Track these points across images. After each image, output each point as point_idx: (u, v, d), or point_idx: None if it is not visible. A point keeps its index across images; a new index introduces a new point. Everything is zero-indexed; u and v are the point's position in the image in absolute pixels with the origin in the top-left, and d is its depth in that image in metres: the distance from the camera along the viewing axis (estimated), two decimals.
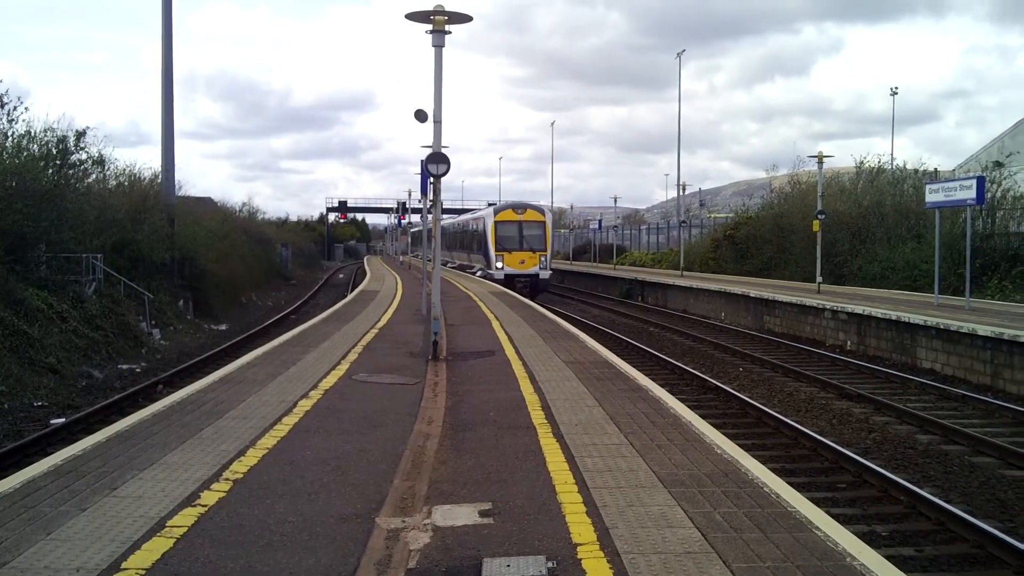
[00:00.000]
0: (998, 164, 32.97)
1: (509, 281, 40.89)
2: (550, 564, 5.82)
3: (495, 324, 21.47)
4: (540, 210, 44.35)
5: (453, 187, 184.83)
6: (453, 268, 56.63)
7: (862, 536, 7.34)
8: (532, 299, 36.35)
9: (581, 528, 6.52)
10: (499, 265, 42.34)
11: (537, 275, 42.33)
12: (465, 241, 55.17)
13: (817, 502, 8.05)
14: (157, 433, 9.50)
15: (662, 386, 13.53)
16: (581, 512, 6.89)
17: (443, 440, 9.46)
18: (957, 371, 20.22)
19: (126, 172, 36.65)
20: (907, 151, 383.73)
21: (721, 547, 6.14)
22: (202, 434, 9.47)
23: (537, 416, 10.60)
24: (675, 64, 59.91)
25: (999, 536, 9.10)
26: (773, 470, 8.78)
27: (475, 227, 49.75)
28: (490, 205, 59.65)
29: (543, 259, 42.53)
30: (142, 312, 27.96)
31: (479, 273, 46.02)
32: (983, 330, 19.20)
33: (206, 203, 59.20)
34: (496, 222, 43.05)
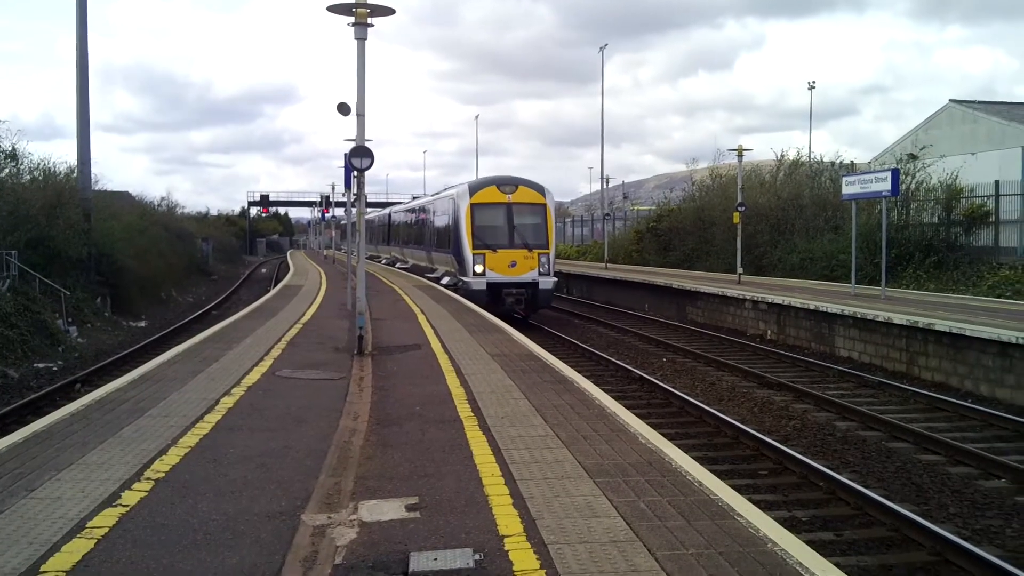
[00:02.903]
0: (912, 157, 33.76)
1: (494, 293, 28.75)
2: (477, 556, 5.83)
3: (421, 318, 21.41)
4: (538, 188, 30.47)
5: (377, 180, 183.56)
6: (403, 269, 45.24)
7: (783, 522, 7.50)
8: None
9: (508, 520, 6.55)
10: (478, 269, 29.02)
11: (535, 284, 29.03)
12: (423, 234, 40.82)
13: (739, 489, 8.19)
14: (76, 433, 9.30)
15: (587, 378, 13.63)
16: (508, 504, 6.92)
17: (369, 435, 9.41)
18: (874, 359, 20.70)
19: (40, 166, 35.71)
20: (826, 145, 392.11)
21: (646, 535, 6.22)
22: (122, 433, 9.29)
23: (463, 409, 10.61)
24: (601, 58, 59.97)
25: (915, 519, 9.37)
26: (696, 459, 8.91)
27: (438, 213, 35.64)
28: (439, 189, 43.50)
29: (544, 260, 29.19)
30: (59, 309, 27.29)
31: (445, 279, 33.19)
32: (899, 319, 19.68)
33: (124, 197, 58.07)
34: (473, 205, 29.56)
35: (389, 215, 56.16)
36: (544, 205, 29.97)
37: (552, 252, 29.74)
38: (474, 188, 30.35)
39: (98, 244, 33.94)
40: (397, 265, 48.75)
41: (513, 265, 28.95)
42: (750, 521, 6.54)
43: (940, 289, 27.63)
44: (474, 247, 29.17)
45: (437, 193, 38.71)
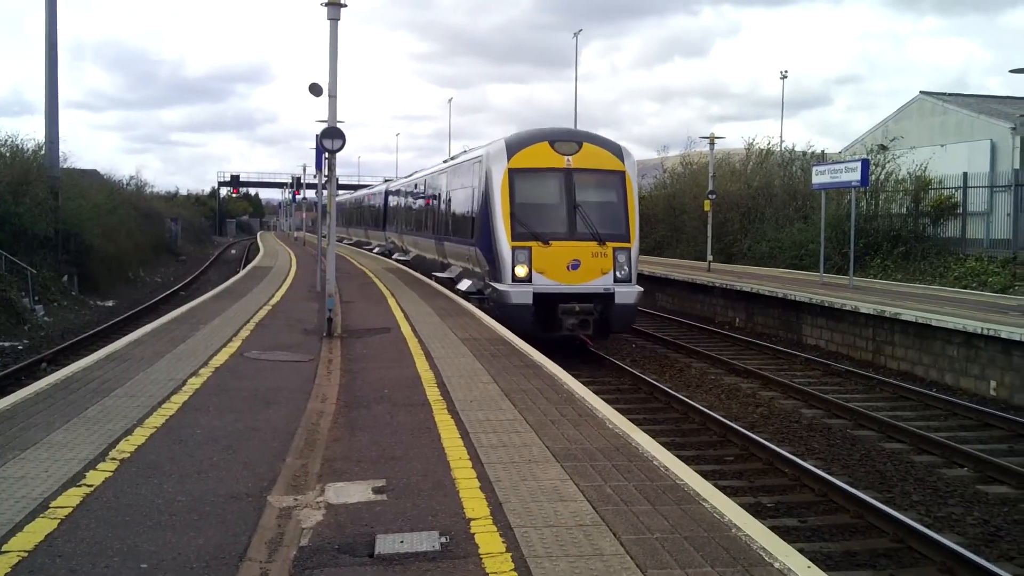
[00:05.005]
0: (882, 147, 33.98)
1: (545, 310, 18.86)
2: (443, 539, 5.84)
3: (391, 301, 21.35)
4: (612, 148, 20.29)
5: (349, 163, 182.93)
6: (402, 262, 35.42)
7: (748, 508, 7.55)
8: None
9: (475, 503, 6.56)
10: (519, 272, 18.95)
11: (610, 296, 19.00)
12: (434, 218, 28.35)
13: (705, 475, 8.23)
14: (40, 412, 9.21)
15: (556, 362, 13.65)
16: (475, 487, 6.93)
17: (337, 418, 9.39)
18: (841, 347, 20.86)
19: (8, 143, 35.31)
20: (799, 134, 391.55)
21: (611, 519, 6.25)
22: (88, 413, 9.22)
23: (432, 393, 10.60)
24: (575, 44, 59.79)
25: (878, 506, 9.47)
26: (663, 444, 8.96)
27: (456, 186, 24.42)
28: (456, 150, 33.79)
29: (622, 259, 19.24)
30: (24, 288, 27.02)
31: (464, 283, 22.50)
32: (865, 308, 19.84)
33: (92, 176, 57.45)
34: (512, 171, 19.39)
35: (386, 192, 44.08)
36: (623, 173, 19.83)
37: (635, 247, 19.68)
38: (514, 146, 19.86)
39: (66, 222, 33.64)
40: (395, 256, 38.51)
41: (575, 266, 19.04)
42: (715, 506, 6.58)
43: (907, 279, 27.85)
44: (514, 237, 19.05)
45: (454, 157, 28.55)
